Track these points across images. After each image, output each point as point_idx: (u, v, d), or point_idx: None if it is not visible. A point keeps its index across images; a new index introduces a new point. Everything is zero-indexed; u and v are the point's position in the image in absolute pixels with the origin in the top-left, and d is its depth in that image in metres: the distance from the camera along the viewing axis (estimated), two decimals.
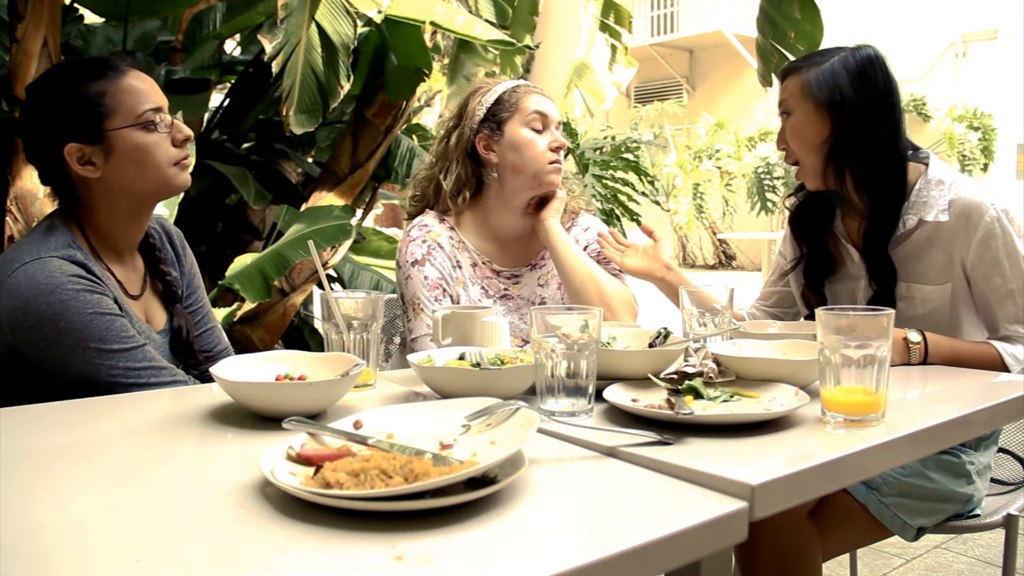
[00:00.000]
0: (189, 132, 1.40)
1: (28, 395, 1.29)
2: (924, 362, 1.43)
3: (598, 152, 3.80)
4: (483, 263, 1.79)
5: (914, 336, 1.43)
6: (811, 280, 1.71)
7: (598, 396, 1.05)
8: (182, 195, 2.08)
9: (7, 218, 2.33)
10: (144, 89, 1.36)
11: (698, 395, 1.07)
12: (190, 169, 1.42)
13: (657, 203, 4.12)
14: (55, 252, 1.29)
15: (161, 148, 1.36)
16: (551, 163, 1.73)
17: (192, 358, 1.49)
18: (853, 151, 1.54)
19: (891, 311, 0.99)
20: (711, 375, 1.13)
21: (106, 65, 1.36)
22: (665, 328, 1.28)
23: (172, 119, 1.38)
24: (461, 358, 1.20)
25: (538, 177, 1.73)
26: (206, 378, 1.43)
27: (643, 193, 3.85)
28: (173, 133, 1.38)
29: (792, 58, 3.71)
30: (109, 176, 1.35)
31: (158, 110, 1.36)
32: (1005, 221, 1.49)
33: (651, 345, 1.25)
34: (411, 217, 1.84)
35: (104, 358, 1.28)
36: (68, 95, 1.33)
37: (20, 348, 1.27)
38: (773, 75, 3.82)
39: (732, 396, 1.08)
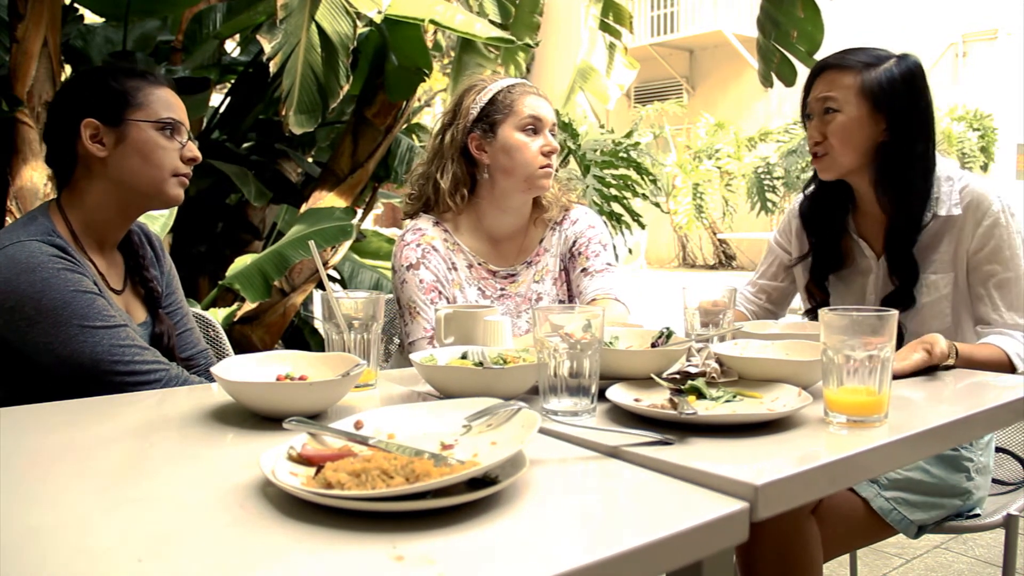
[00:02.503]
0: (198, 155, 1.45)
1: (21, 388, 1.30)
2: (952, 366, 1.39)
3: (598, 152, 3.80)
4: (479, 264, 1.79)
5: (944, 344, 1.36)
6: (816, 275, 1.73)
7: (601, 396, 1.05)
8: None
9: (7, 217, 2.33)
10: (174, 103, 1.44)
11: (701, 395, 1.07)
12: (184, 188, 1.46)
13: (657, 204, 4.09)
14: (35, 236, 1.32)
15: (169, 154, 1.41)
16: (542, 167, 1.72)
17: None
18: (899, 158, 1.57)
19: (895, 312, 0.99)
20: (714, 375, 1.13)
21: (150, 73, 1.45)
22: (668, 328, 1.28)
23: (188, 140, 1.45)
24: (463, 357, 1.20)
25: (529, 181, 1.72)
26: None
27: (643, 195, 3.84)
28: (184, 151, 1.44)
29: (793, 59, 3.70)
30: (113, 161, 1.39)
31: (179, 123, 1.43)
32: (1008, 214, 1.56)
33: (654, 345, 1.25)
34: (408, 216, 1.83)
35: (88, 335, 1.29)
36: (107, 80, 1.41)
37: (1, 332, 1.28)
38: (774, 75, 3.81)
39: (735, 396, 1.07)
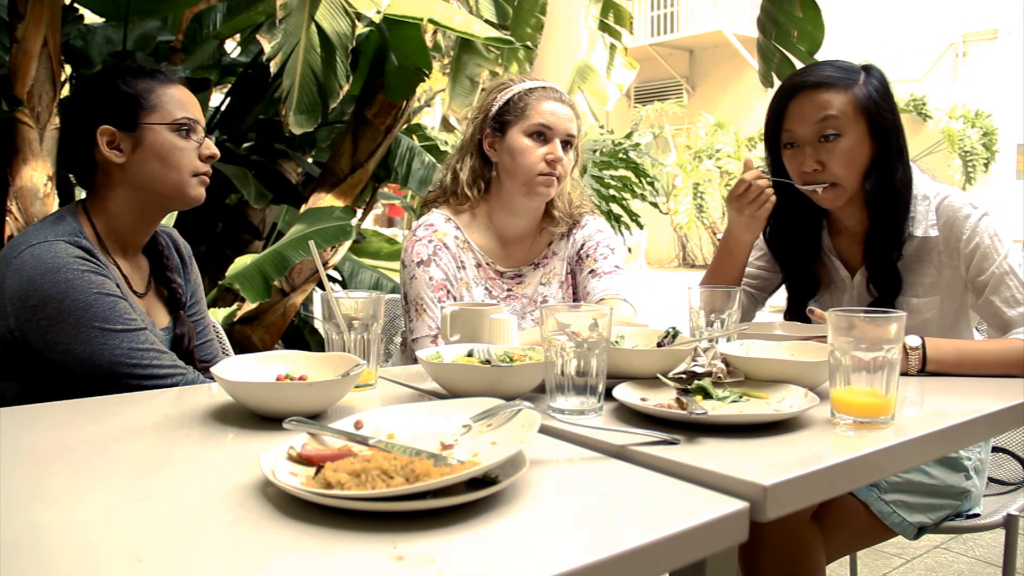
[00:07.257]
0: (216, 152, 1.45)
1: (35, 386, 1.29)
2: (923, 369, 1.35)
3: (597, 153, 3.80)
4: (487, 264, 1.78)
5: (911, 341, 1.35)
6: (796, 302, 1.66)
7: (607, 395, 1.04)
8: None
9: (7, 217, 2.32)
10: (187, 101, 1.43)
11: (707, 395, 1.06)
12: (205, 187, 1.46)
13: (655, 205, 4.10)
14: (63, 237, 1.31)
15: (187, 155, 1.41)
16: (542, 174, 1.69)
17: (191, 365, 1.49)
18: (888, 172, 1.50)
19: (903, 314, 0.98)
20: (720, 375, 1.12)
21: (160, 71, 1.44)
22: (674, 328, 1.27)
23: (204, 137, 1.44)
24: (470, 355, 1.19)
25: (528, 186, 1.71)
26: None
27: (642, 196, 3.85)
28: (201, 149, 1.43)
29: (794, 58, 3.69)
30: (132, 166, 1.38)
31: (194, 122, 1.42)
32: (985, 221, 1.48)
33: (660, 344, 1.24)
34: (425, 204, 1.84)
35: (107, 337, 1.28)
36: (118, 83, 1.40)
37: (22, 329, 1.28)
38: (774, 75, 3.80)
39: (741, 396, 1.07)
